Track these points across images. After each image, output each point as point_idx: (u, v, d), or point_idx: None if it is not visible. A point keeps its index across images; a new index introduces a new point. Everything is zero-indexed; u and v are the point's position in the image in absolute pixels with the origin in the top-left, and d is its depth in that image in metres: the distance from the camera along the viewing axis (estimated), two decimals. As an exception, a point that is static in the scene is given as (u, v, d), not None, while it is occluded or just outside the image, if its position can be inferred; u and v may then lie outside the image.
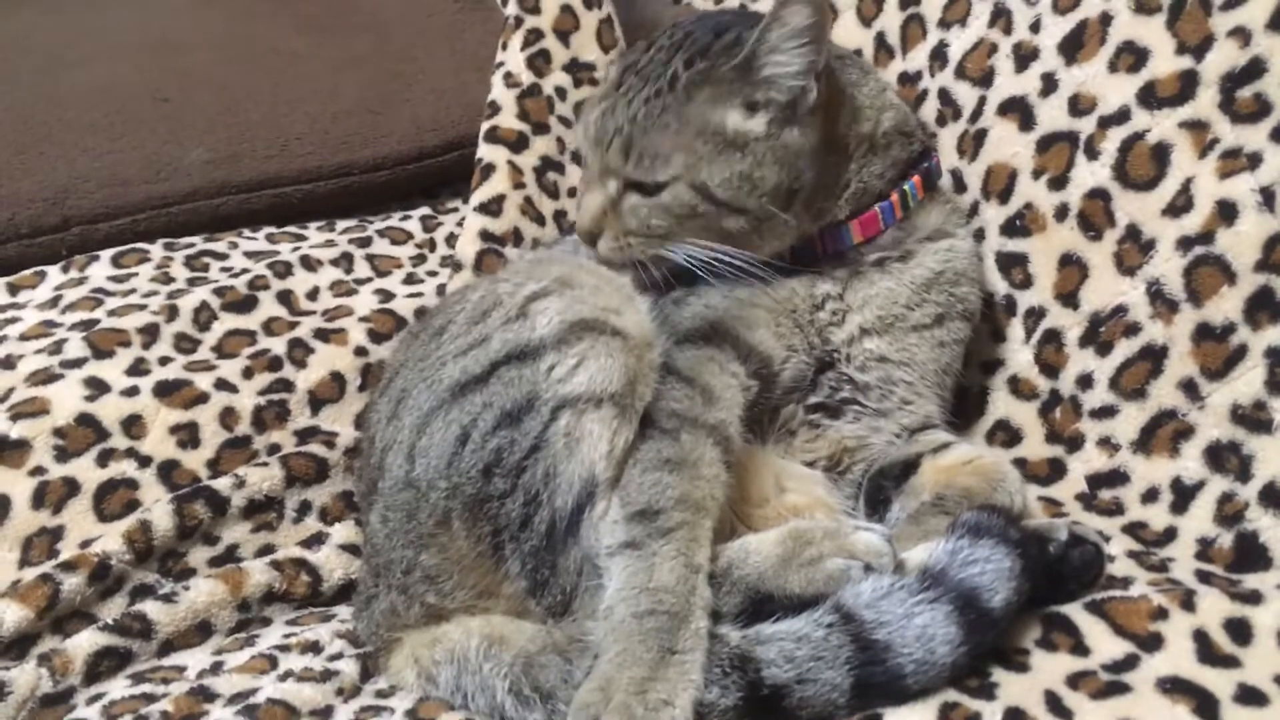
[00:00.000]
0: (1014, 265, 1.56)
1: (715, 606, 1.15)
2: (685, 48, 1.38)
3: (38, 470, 1.47)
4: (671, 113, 1.35)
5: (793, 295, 1.40)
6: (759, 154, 1.34)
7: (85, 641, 1.31)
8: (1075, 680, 1.10)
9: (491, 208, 1.96)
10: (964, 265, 1.47)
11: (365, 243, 2.05)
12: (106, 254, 1.91)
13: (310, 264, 1.93)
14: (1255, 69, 1.35)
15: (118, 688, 1.28)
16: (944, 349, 1.44)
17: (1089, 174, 1.48)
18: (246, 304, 1.79)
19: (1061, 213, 1.51)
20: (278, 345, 1.71)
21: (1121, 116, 1.46)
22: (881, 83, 1.50)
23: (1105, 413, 1.44)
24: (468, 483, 1.20)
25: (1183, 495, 1.35)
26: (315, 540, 1.54)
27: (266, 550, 1.52)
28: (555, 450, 1.19)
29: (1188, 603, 1.15)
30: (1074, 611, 1.18)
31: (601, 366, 1.22)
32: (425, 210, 2.23)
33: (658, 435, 1.23)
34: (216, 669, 1.31)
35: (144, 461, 1.52)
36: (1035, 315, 1.53)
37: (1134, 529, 1.36)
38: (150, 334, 1.68)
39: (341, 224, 2.13)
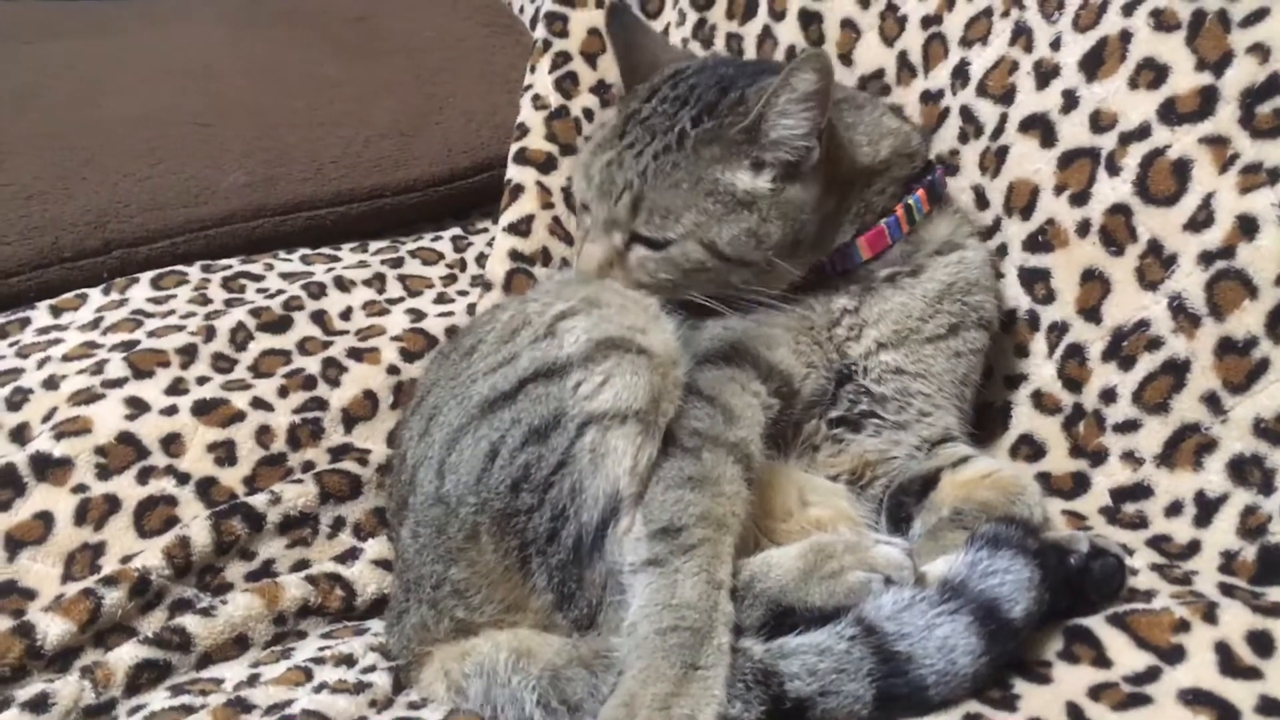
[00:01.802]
0: (1036, 280, 1.57)
1: (738, 621, 1.16)
2: (691, 103, 1.41)
3: (80, 488, 1.50)
4: (682, 171, 1.38)
5: (810, 312, 1.42)
6: (764, 211, 1.37)
7: (126, 654, 1.34)
8: (1097, 692, 1.11)
9: (520, 228, 1.99)
10: (976, 275, 1.48)
11: (397, 263, 2.08)
12: (146, 276, 1.95)
13: (344, 284, 1.97)
14: (1275, 85, 1.36)
15: (158, 699, 1.31)
16: (960, 359, 1.46)
17: (1110, 190, 1.49)
18: (282, 324, 1.83)
19: (1083, 228, 1.52)
20: (312, 364, 1.74)
21: (1142, 132, 1.47)
22: (879, 111, 1.53)
23: (1128, 427, 1.45)
24: (496, 498, 1.22)
25: (1206, 509, 1.35)
26: (349, 555, 1.56)
27: (301, 565, 1.54)
28: (581, 466, 1.21)
29: (1210, 615, 1.16)
30: (1096, 624, 1.18)
31: (627, 384, 1.24)
32: (456, 231, 2.26)
33: (680, 453, 1.25)
34: (253, 681, 1.34)
35: (183, 479, 1.55)
36: (1058, 330, 1.54)
37: (1157, 542, 1.37)
38: (189, 354, 1.71)
39: (374, 245, 2.16)
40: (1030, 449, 1.56)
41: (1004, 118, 1.63)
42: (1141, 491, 1.42)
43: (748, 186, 1.37)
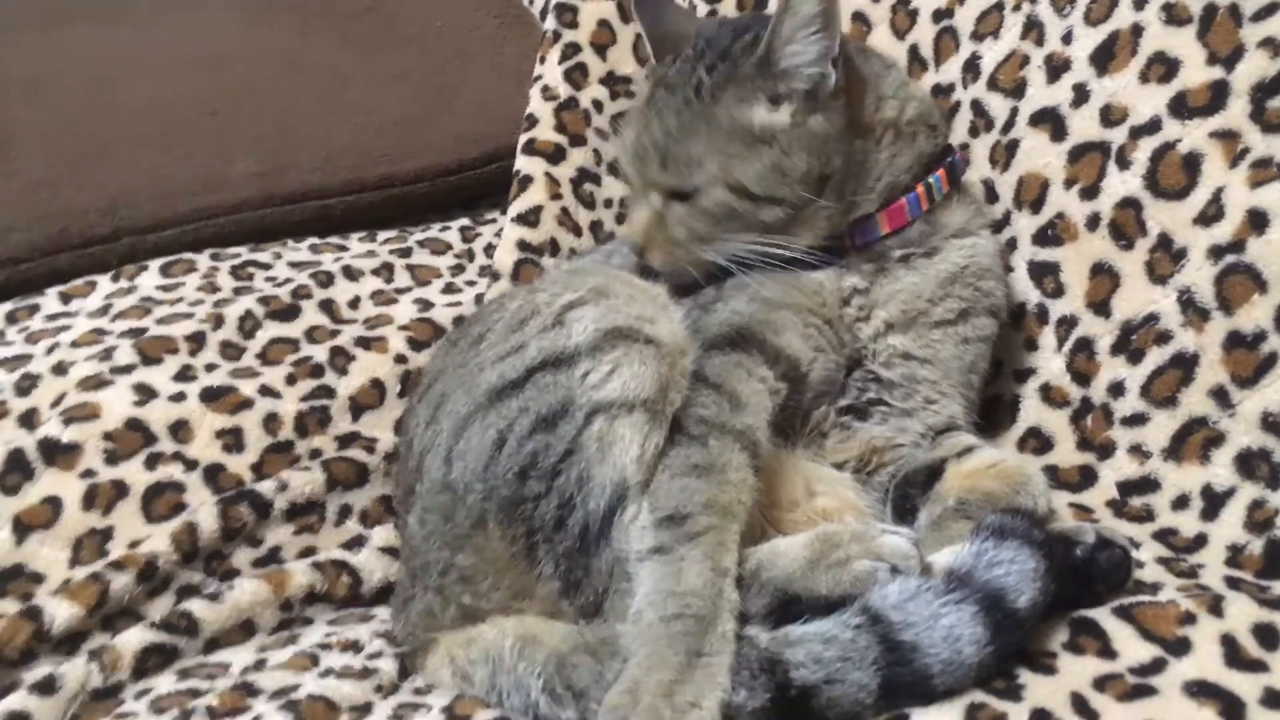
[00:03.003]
0: (1046, 274, 1.57)
1: (744, 609, 1.16)
2: (707, 54, 1.42)
3: (88, 473, 1.51)
4: (701, 119, 1.38)
5: (820, 291, 1.42)
6: (785, 143, 1.37)
7: (133, 639, 1.35)
8: (1102, 683, 1.10)
9: (529, 218, 1.99)
10: (988, 261, 1.48)
11: (405, 253, 2.09)
12: (155, 264, 1.95)
13: (352, 274, 1.97)
14: (1286, 79, 1.36)
15: (165, 683, 1.32)
16: (968, 346, 1.45)
17: (1120, 184, 1.49)
18: (290, 312, 1.83)
19: (1093, 222, 1.52)
20: (320, 353, 1.75)
21: (1153, 126, 1.46)
22: (904, 76, 1.53)
23: (1136, 420, 1.44)
24: (503, 485, 1.22)
25: (1213, 502, 1.35)
26: (355, 543, 1.57)
27: (308, 552, 1.55)
28: (588, 454, 1.21)
29: (1216, 608, 1.16)
30: (1101, 616, 1.18)
31: (634, 373, 1.25)
32: (464, 221, 2.26)
33: (686, 441, 1.25)
34: (260, 666, 1.34)
35: (190, 465, 1.56)
36: (1067, 324, 1.54)
37: (1164, 536, 1.36)
38: (197, 341, 1.72)
39: (382, 235, 2.16)
40: (1038, 442, 1.56)
41: (1014, 111, 1.63)
42: (1149, 485, 1.42)
43: (764, 121, 1.38)
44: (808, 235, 1.42)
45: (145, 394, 1.60)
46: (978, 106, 1.70)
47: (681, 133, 1.40)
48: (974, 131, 1.71)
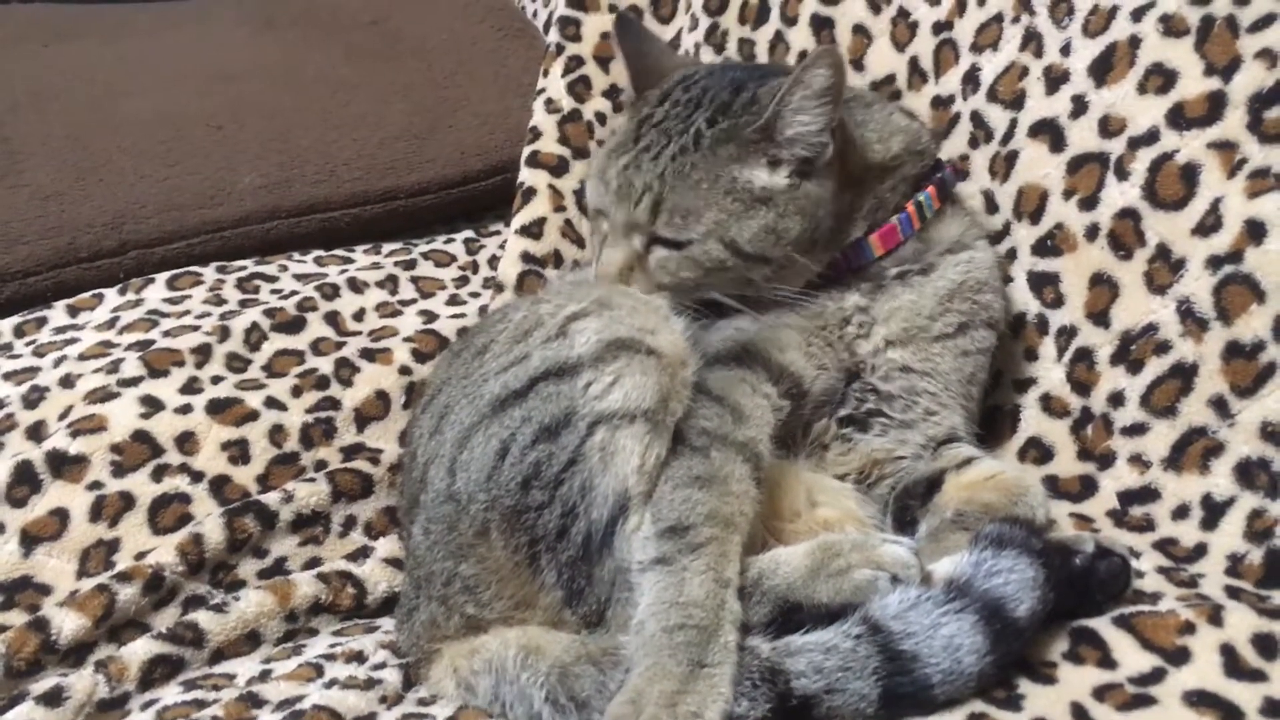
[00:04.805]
0: (1045, 284, 1.57)
1: (745, 619, 1.16)
2: (705, 104, 1.43)
3: (95, 485, 1.52)
4: (700, 171, 1.38)
5: (822, 312, 1.42)
6: (782, 207, 1.38)
7: (140, 649, 1.36)
8: (1102, 693, 1.11)
9: (532, 230, 2.01)
10: (985, 275, 1.49)
11: (410, 265, 2.10)
12: (162, 277, 1.97)
13: (357, 286, 1.98)
14: (1283, 90, 1.36)
15: (170, 694, 1.32)
16: (968, 358, 1.46)
17: (1119, 194, 1.50)
18: (295, 325, 1.84)
19: (1092, 232, 1.52)
20: (325, 365, 1.76)
21: (1151, 137, 1.47)
22: (887, 110, 1.54)
23: (1136, 430, 1.45)
24: (506, 495, 1.23)
25: (1213, 512, 1.36)
26: (360, 554, 1.58)
27: (313, 563, 1.55)
28: (591, 464, 1.22)
29: (1215, 618, 1.16)
30: (1101, 625, 1.19)
31: (636, 384, 1.25)
32: (468, 233, 2.28)
33: (689, 452, 1.25)
34: (265, 676, 1.35)
35: (196, 477, 1.57)
36: (1067, 334, 1.54)
37: (1164, 545, 1.37)
38: (203, 354, 1.73)
39: (387, 247, 2.18)
40: (1038, 452, 1.56)
41: (1014, 123, 1.64)
42: (1149, 494, 1.42)
43: (765, 183, 1.38)
44: (792, 284, 1.42)
45: (152, 406, 1.61)
46: (977, 118, 1.71)
47: (678, 181, 1.39)
48: (974, 143, 1.72)
